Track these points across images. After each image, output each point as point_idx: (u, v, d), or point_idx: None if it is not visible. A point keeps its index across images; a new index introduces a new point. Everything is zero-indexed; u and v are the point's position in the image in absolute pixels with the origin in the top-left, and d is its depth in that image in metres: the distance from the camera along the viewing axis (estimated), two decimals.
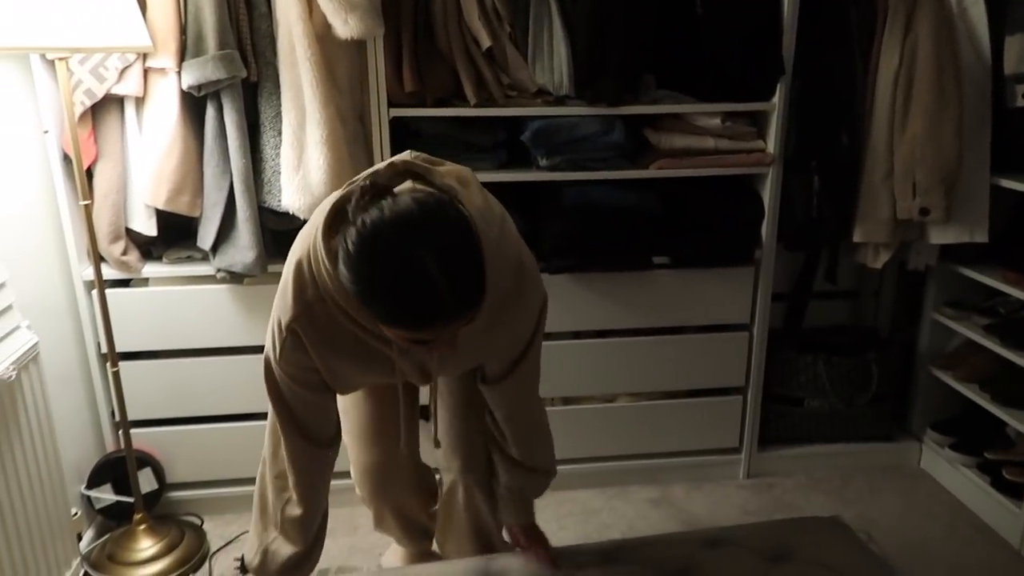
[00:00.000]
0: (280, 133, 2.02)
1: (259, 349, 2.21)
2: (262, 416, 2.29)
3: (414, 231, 1.03)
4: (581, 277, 2.28)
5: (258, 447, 2.27)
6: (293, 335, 1.26)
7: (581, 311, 2.31)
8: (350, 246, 1.05)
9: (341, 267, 1.08)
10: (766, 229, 2.31)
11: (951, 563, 2.14)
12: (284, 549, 1.40)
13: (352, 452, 1.76)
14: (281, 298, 1.28)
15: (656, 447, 2.49)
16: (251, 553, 1.44)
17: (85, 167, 1.92)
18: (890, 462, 2.61)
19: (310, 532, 1.44)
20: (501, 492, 1.63)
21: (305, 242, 1.25)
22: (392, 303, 1.05)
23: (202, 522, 2.28)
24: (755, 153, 2.24)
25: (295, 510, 1.41)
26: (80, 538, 2.10)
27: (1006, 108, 2.20)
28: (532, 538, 1.62)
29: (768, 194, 2.27)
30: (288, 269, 1.27)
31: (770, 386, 2.51)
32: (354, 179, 1.26)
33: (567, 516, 2.26)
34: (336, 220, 1.16)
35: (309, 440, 1.42)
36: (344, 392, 1.48)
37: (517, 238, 1.35)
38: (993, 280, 2.25)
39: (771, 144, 2.24)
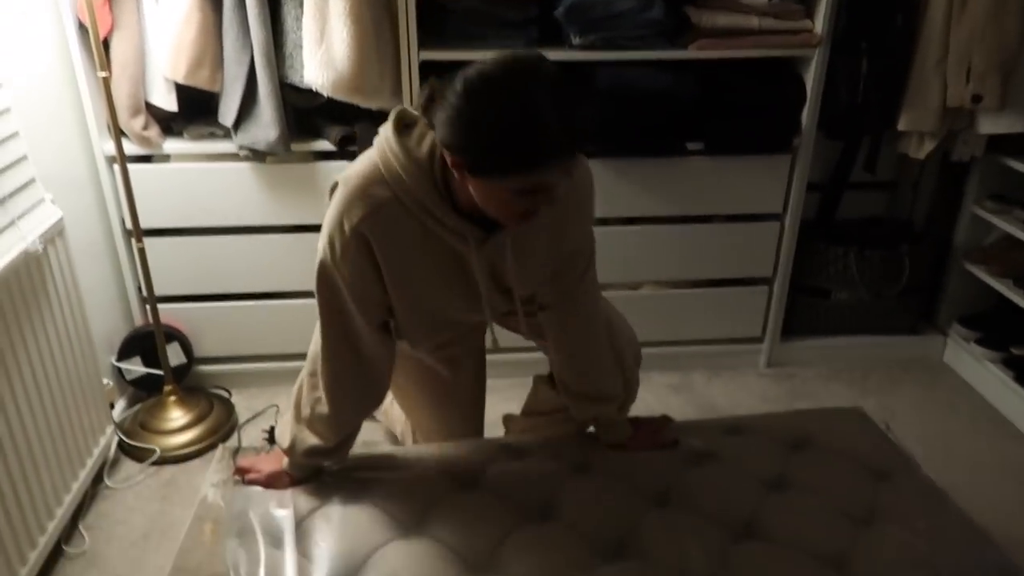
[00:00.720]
0: (301, 4, 1.93)
1: (284, 229, 2.24)
2: (287, 295, 2.33)
3: (520, 72, 1.07)
4: (611, 162, 2.21)
5: (283, 324, 2.32)
6: (358, 238, 1.21)
7: (610, 197, 2.26)
8: (454, 98, 1.07)
9: (442, 128, 1.09)
10: (807, 115, 2.21)
11: (970, 457, 2.16)
12: (310, 439, 1.41)
13: (415, 420, 1.76)
14: (341, 206, 1.23)
15: (679, 335, 2.49)
16: (283, 438, 1.46)
17: (101, 37, 1.86)
18: (913, 355, 2.60)
19: (336, 433, 1.42)
20: (583, 423, 1.59)
21: (361, 160, 1.25)
22: (505, 139, 1.06)
23: (230, 395, 2.35)
24: (802, 33, 2.11)
25: (323, 409, 1.40)
26: (113, 407, 2.17)
27: None
28: (640, 445, 1.54)
29: (812, 78, 2.16)
30: (343, 185, 1.25)
31: (797, 277, 2.48)
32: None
33: None
34: (401, 123, 1.21)
35: (351, 363, 1.39)
36: (408, 324, 1.40)
37: None
38: None
39: (819, 24, 2.11)
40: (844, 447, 1.52)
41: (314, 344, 1.42)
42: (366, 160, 1.25)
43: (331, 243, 1.26)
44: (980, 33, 2.02)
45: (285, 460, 1.45)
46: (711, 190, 2.29)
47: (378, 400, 1.48)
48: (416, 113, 1.22)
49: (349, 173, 1.26)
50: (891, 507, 1.37)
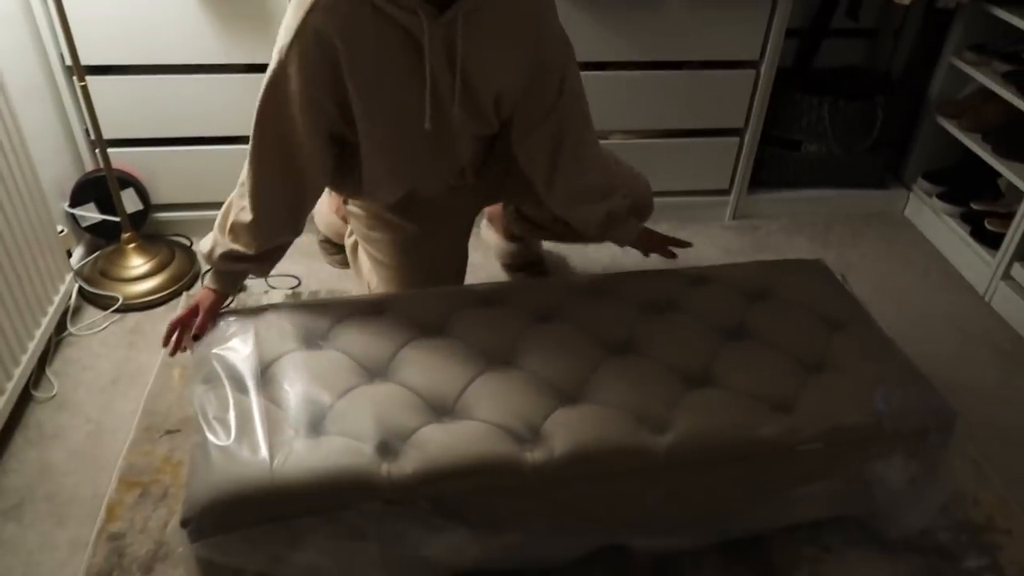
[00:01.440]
0: None
1: (240, 68, 2.12)
2: (245, 139, 2.23)
3: None
4: (579, 2, 2.09)
5: (240, 169, 2.24)
6: (316, 35, 1.24)
7: (578, 41, 2.13)
8: None
9: None
10: None
11: (920, 307, 2.23)
12: (231, 244, 1.44)
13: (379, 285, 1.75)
14: (296, 6, 1.26)
15: None
16: (204, 244, 1.49)
17: None
18: (876, 209, 2.63)
19: (259, 241, 1.44)
20: (592, 231, 1.64)
21: None
22: None
23: (191, 243, 2.31)
24: None
25: (246, 216, 1.42)
26: (70, 254, 2.12)
27: None
28: (652, 246, 1.67)
29: None
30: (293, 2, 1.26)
31: (768, 128, 2.44)
32: None
33: (551, 247, 2.30)
34: None
35: (280, 170, 1.40)
36: (369, 157, 1.43)
37: None
38: None
39: None
40: (802, 298, 1.55)
41: (247, 155, 1.42)
42: None
43: (287, 48, 1.27)
44: None
45: (207, 275, 1.50)
46: (686, 35, 2.20)
47: (304, 212, 1.49)
48: None
49: None
50: (841, 355, 1.42)
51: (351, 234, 1.87)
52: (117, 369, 1.89)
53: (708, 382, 1.35)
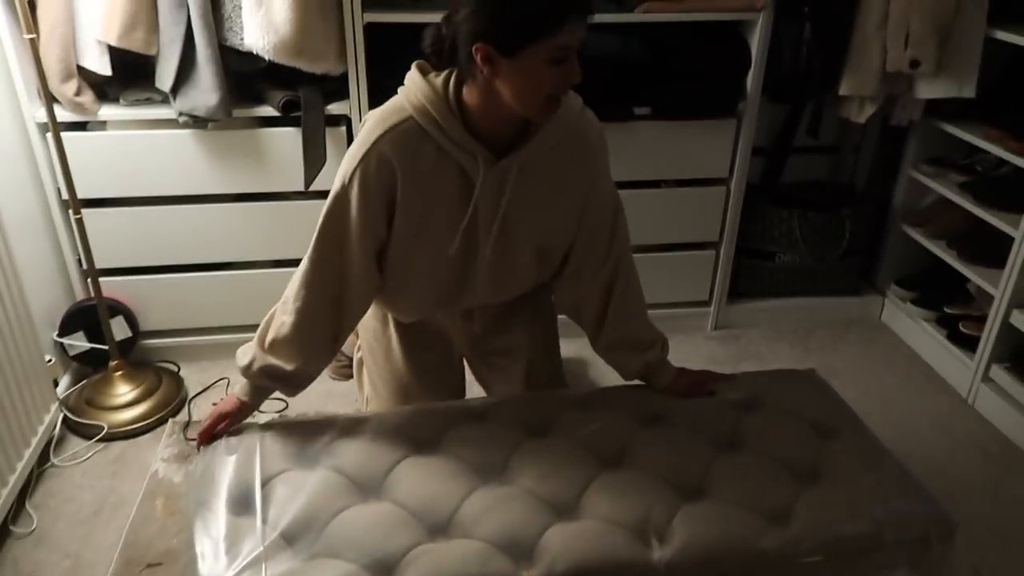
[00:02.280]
0: None
1: (228, 198, 2.19)
2: (233, 266, 2.28)
3: None
4: None
5: (230, 296, 2.29)
6: (380, 157, 1.31)
7: None
8: None
9: (467, 23, 1.22)
10: (752, 79, 2.23)
11: (904, 410, 2.25)
12: (269, 359, 1.44)
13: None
14: (365, 132, 1.34)
15: None
16: (242, 357, 1.47)
17: None
18: (853, 315, 2.69)
19: (298, 359, 1.44)
20: (628, 376, 1.62)
21: (385, 106, 1.36)
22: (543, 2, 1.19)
23: (179, 369, 2.31)
24: None
25: (288, 332, 1.43)
26: (56, 384, 2.11)
27: None
28: (690, 387, 1.59)
29: (757, 42, 2.18)
30: (369, 117, 1.36)
31: (743, 240, 2.53)
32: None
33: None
34: (423, 67, 1.35)
35: (332, 290, 1.43)
36: (401, 271, 1.47)
37: None
38: (974, 137, 2.23)
39: None
40: (794, 407, 1.56)
41: (298, 274, 1.44)
42: (391, 100, 1.37)
43: (351, 171, 1.34)
44: None
45: (238, 385, 1.48)
46: (658, 155, 2.32)
47: (344, 337, 1.50)
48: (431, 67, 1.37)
49: (363, 129, 1.36)
50: (837, 464, 1.42)
51: (360, 349, 1.89)
52: (99, 500, 1.85)
53: (703, 494, 1.34)
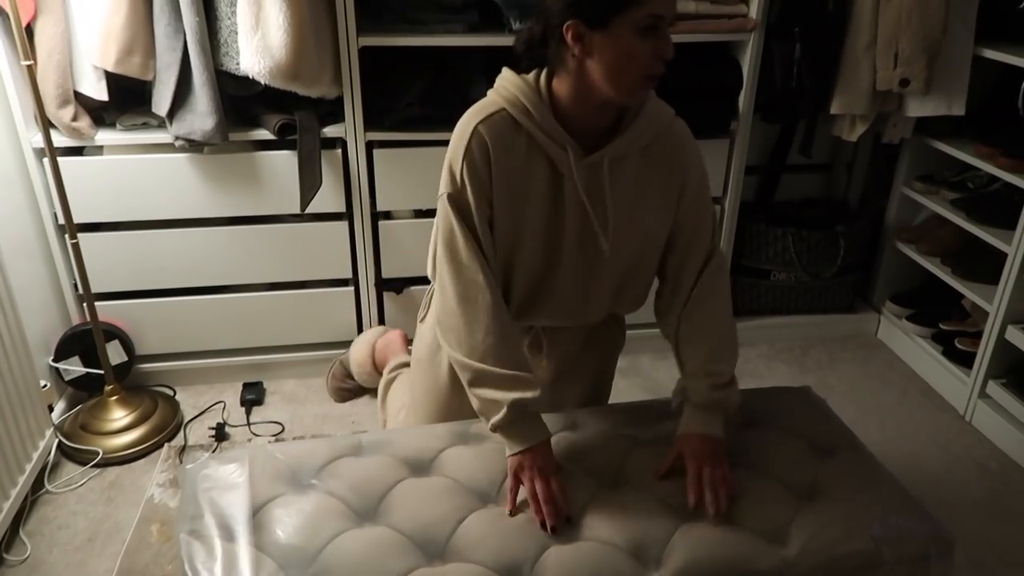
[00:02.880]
0: None
1: (224, 221, 2.19)
2: (229, 289, 2.28)
3: None
4: None
5: (226, 319, 2.28)
6: (479, 142, 1.31)
7: None
8: None
9: (556, 3, 1.23)
10: (744, 99, 2.25)
11: (902, 427, 2.25)
12: (509, 390, 1.31)
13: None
14: (461, 125, 1.35)
15: (626, 319, 2.52)
16: (492, 410, 1.33)
17: (24, 23, 1.78)
18: (849, 332, 2.69)
19: (507, 360, 1.34)
20: (695, 400, 1.43)
21: (470, 110, 1.36)
22: None
23: (174, 393, 2.30)
24: (737, 18, 2.15)
25: (487, 344, 1.33)
26: (51, 409, 2.10)
27: None
28: (698, 458, 1.35)
29: (748, 62, 2.21)
30: (462, 119, 1.36)
31: (738, 259, 2.54)
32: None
33: None
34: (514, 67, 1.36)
35: (490, 281, 1.36)
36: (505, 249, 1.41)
37: None
38: (965, 154, 2.25)
39: (754, 9, 2.15)
40: (791, 425, 1.56)
41: (452, 316, 1.36)
42: (483, 98, 1.38)
43: (452, 169, 1.34)
44: (906, 18, 2.09)
45: (512, 448, 1.33)
46: None
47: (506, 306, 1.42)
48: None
49: (463, 120, 1.37)
50: (834, 482, 1.41)
51: (392, 369, 1.89)
52: (94, 526, 1.83)
53: (700, 514, 1.34)
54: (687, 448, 1.37)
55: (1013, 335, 2.11)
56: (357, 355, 2.23)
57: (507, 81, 1.36)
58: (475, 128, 1.32)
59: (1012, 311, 2.12)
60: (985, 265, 2.27)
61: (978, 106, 2.29)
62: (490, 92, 1.38)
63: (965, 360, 2.31)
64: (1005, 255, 2.11)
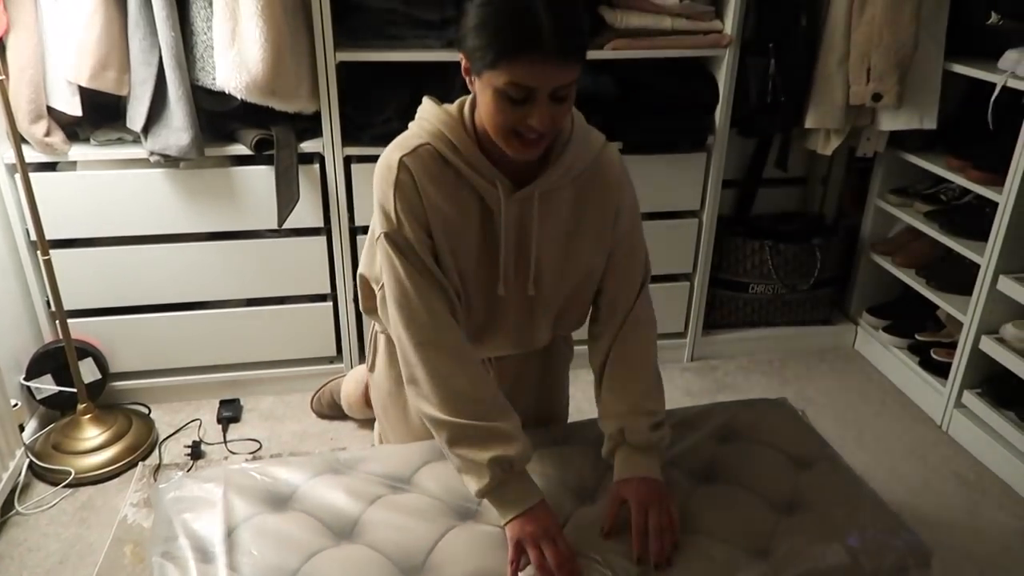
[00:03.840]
0: (211, 4, 1.88)
1: (200, 237, 2.17)
2: (205, 305, 2.26)
3: None
4: None
5: (202, 336, 2.26)
6: (406, 171, 1.27)
7: None
8: (472, 6, 1.17)
9: (465, 30, 1.18)
10: (720, 114, 2.27)
11: (880, 438, 2.26)
12: (492, 448, 1.25)
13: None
14: (383, 162, 1.30)
15: None
16: (474, 483, 1.26)
17: None
18: (827, 344, 2.71)
19: (483, 407, 1.28)
20: (605, 450, 1.40)
21: (397, 138, 1.32)
22: (494, 22, 1.15)
23: (149, 411, 2.27)
24: (712, 34, 2.18)
25: (459, 390, 1.27)
26: (22, 429, 2.07)
27: None
28: (649, 512, 1.27)
29: (723, 78, 2.23)
30: (383, 156, 1.31)
31: (716, 272, 2.55)
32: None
33: None
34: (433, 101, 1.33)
35: (451, 322, 1.31)
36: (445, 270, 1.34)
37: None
38: (937, 167, 2.28)
39: (729, 25, 2.17)
40: (769, 438, 1.56)
41: (411, 360, 1.29)
42: (403, 133, 1.34)
43: (384, 208, 1.29)
44: (878, 35, 2.12)
45: (505, 515, 1.25)
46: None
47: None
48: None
49: (385, 153, 1.32)
50: (812, 495, 1.42)
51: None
52: (66, 548, 1.79)
53: (682, 528, 1.33)
54: (630, 494, 1.29)
55: (987, 345, 2.14)
56: (348, 390, 2.16)
57: (428, 113, 1.31)
58: (400, 161, 1.26)
59: (985, 321, 2.15)
60: (959, 276, 2.30)
61: (949, 120, 2.32)
62: (412, 124, 1.33)
63: (941, 371, 2.34)
64: (978, 266, 2.14)
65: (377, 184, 1.31)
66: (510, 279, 1.38)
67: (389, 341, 1.60)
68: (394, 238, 1.28)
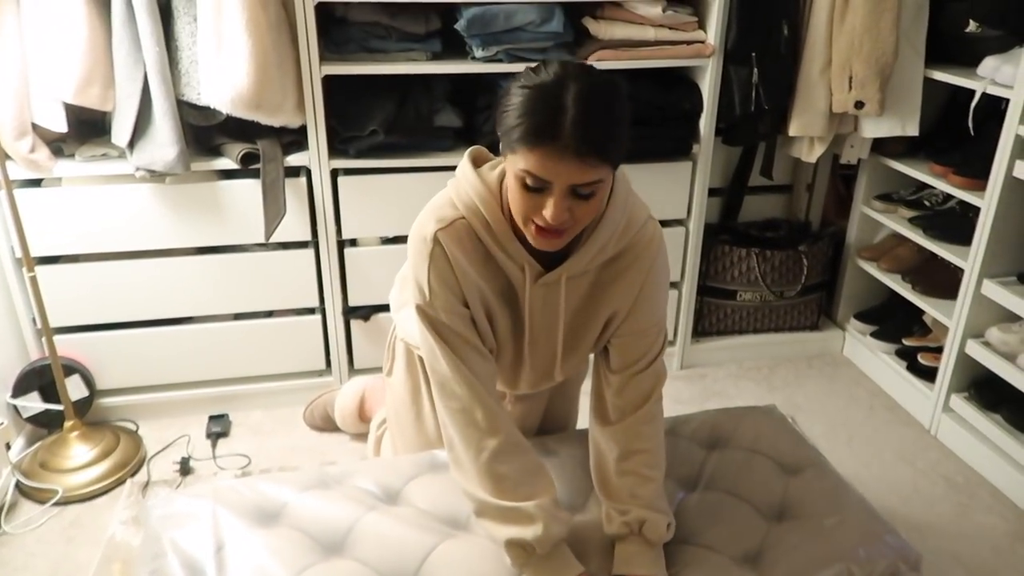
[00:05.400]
0: (196, 19, 1.88)
1: (187, 252, 2.17)
2: (193, 320, 2.25)
3: (564, 70, 1.15)
4: None
5: (190, 351, 2.25)
6: (438, 245, 1.25)
7: None
8: (521, 79, 1.15)
9: (502, 108, 1.16)
10: (704, 123, 2.29)
11: (869, 443, 2.27)
12: (528, 526, 1.23)
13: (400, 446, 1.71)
14: (417, 232, 1.29)
15: None
16: (505, 553, 1.26)
17: None
18: (815, 350, 2.73)
19: (534, 469, 1.29)
20: (614, 529, 1.32)
21: (437, 197, 1.31)
22: (522, 109, 1.12)
23: (137, 427, 2.25)
24: (695, 44, 2.19)
25: (497, 461, 1.27)
26: (9, 447, 2.05)
27: None
28: None
29: (707, 87, 2.24)
30: (419, 220, 1.30)
31: (704, 279, 2.56)
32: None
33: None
34: (475, 158, 1.30)
35: (490, 389, 1.33)
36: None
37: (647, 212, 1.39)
38: (920, 173, 2.30)
39: (712, 35, 2.19)
40: (758, 445, 1.57)
41: (448, 432, 1.31)
42: (438, 195, 1.32)
43: (419, 281, 1.28)
44: (858, 43, 2.14)
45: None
46: None
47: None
48: (489, 154, 1.35)
49: (419, 219, 1.31)
50: (802, 502, 1.42)
51: (381, 424, 1.86)
52: (53, 567, 1.78)
53: (673, 537, 1.34)
54: None
55: (973, 349, 2.15)
56: (343, 403, 2.16)
57: (467, 182, 1.27)
58: (435, 237, 1.25)
59: (971, 325, 2.16)
60: (944, 281, 2.32)
61: (931, 126, 2.35)
62: (450, 188, 1.30)
63: (928, 375, 2.35)
64: (962, 270, 2.15)
65: (411, 254, 1.31)
66: (537, 349, 1.40)
67: (408, 348, 1.62)
68: (426, 311, 1.29)
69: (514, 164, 1.15)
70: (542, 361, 1.44)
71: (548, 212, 1.14)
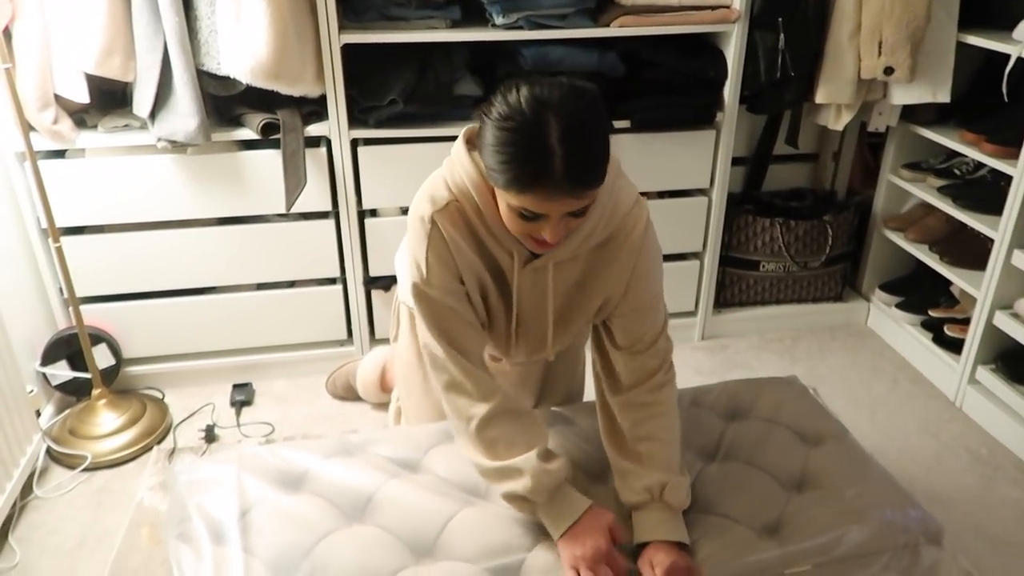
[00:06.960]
0: None
1: (209, 222, 2.18)
2: (216, 290, 2.28)
3: (546, 106, 1.11)
4: None
5: (214, 320, 2.27)
6: (435, 226, 1.27)
7: None
8: (489, 121, 1.14)
9: (483, 142, 1.16)
10: (729, 91, 2.25)
11: (893, 417, 2.25)
12: (516, 479, 1.26)
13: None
14: (414, 214, 1.30)
15: None
16: (523, 507, 1.28)
17: (2, 27, 1.77)
18: (839, 322, 2.70)
19: (534, 429, 1.32)
20: (634, 498, 1.32)
21: (433, 177, 1.31)
22: (510, 158, 1.12)
23: (163, 395, 2.29)
24: (720, 9, 2.15)
25: (488, 424, 1.29)
26: (39, 414, 2.09)
27: None
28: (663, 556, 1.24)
29: (732, 53, 2.20)
30: (416, 199, 1.31)
31: (727, 250, 2.54)
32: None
33: None
34: (469, 137, 1.27)
35: (482, 362, 1.36)
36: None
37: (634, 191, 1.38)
38: (951, 141, 2.25)
39: (737, 0, 2.14)
40: (779, 416, 1.56)
41: (443, 397, 1.34)
42: (434, 175, 1.32)
43: (417, 262, 1.29)
44: (889, 6, 2.09)
45: (555, 532, 1.26)
46: (639, 167, 2.31)
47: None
48: None
49: (417, 196, 1.31)
50: (822, 473, 1.42)
51: (399, 399, 1.88)
52: (84, 531, 1.82)
53: (692, 507, 1.34)
54: (660, 559, 1.23)
55: (1001, 320, 2.12)
56: (364, 373, 2.18)
57: (460, 166, 1.26)
58: (432, 218, 1.26)
59: (1000, 296, 2.12)
60: (973, 251, 2.28)
61: (963, 93, 2.29)
62: (444, 168, 1.30)
63: (954, 347, 2.32)
64: (992, 241, 2.11)
65: (410, 233, 1.33)
66: (527, 330, 1.43)
67: (410, 313, 1.63)
68: (423, 289, 1.30)
69: (504, 197, 1.17)
70: (533, 339, 1.46)
71: (547, 234, 1.18)
